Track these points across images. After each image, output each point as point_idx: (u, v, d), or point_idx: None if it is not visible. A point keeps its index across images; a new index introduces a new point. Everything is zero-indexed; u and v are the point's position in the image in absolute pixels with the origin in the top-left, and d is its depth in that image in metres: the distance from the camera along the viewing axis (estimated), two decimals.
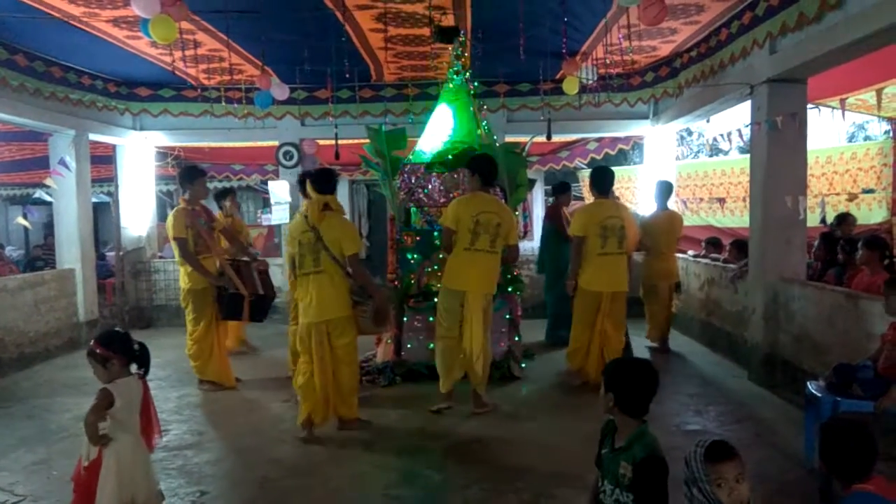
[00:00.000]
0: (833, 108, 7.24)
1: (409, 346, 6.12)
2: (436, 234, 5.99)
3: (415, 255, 6.19)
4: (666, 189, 7.60)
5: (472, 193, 5.24)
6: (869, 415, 3.58)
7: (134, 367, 3.12)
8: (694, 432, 4.74)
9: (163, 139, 9.45)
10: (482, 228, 5.04)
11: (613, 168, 11.08)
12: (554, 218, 7.68)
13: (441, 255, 5.61)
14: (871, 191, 7.50)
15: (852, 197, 7.15)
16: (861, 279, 5.09)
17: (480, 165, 5.26)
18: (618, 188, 11.97)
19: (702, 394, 5.69)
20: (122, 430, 3.00)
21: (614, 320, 5.75)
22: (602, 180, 5.95)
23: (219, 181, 12.40)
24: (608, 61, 7.08)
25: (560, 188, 7.94)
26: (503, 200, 6.22)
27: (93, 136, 8.35)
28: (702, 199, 9.73)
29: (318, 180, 4.83)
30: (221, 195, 7.74)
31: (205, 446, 4.68)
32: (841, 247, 5.80)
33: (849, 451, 2.25)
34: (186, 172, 6.13)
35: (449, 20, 6.33)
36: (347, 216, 5.42)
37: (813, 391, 3.93)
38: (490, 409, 5.22)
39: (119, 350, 3.05)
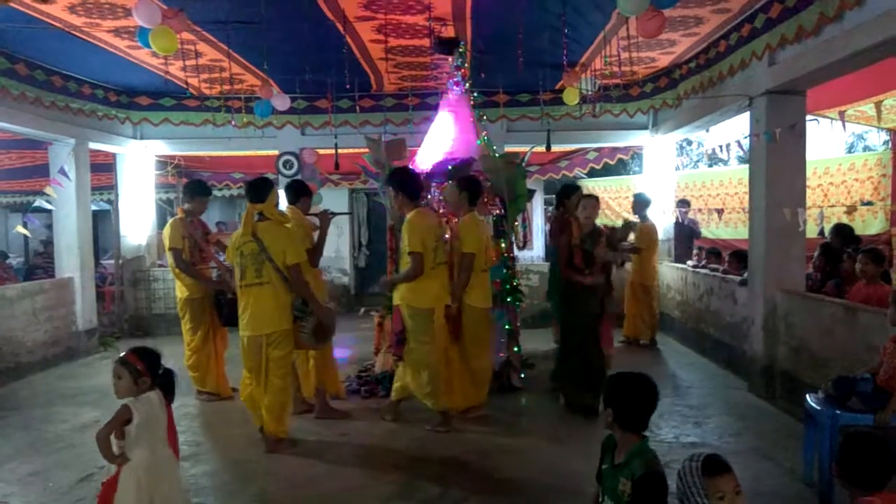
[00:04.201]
0: (832, 119, 7.26)
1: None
2: None
3: None
4: (647, 201, 8.21)
5: (415, 212, 5.03)
6: (871, 427, 3.57)
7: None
8: (693, 445, 4.72)
9: (163, 148, 9.47)
10: (437, 243, 5.02)
11: (613, 178, 10.96)
12: (558, 233, 5.75)
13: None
14: (869, 203, 7.51)
15: (850, 209, 7.16)
16: (858, 290, 5.08)
17: (403, 182, 5.14)
18: (616, 198, 12.04)
19: (701, 406, 5.67)
20: (140, 447, 2.94)
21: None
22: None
23: (219, 189, 12.42)
24: (607, 72, 7.10)
25: (566, 191, 5.86)
26: (503, 211, 6.24)
27: (93, 145, 8.37)
28: (699, 210, 9.74)
29: (248, 190, 4.73)
30: None
31: (202, 458, 4.66)
32: (848, 255, 5.79)
33: (867, 462, 2.28)
34: (195, 187, 6.17)
35: (449, 31, 6.36)
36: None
37: (812, 404, 3.92)
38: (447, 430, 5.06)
39: (150, 369, 3.02)
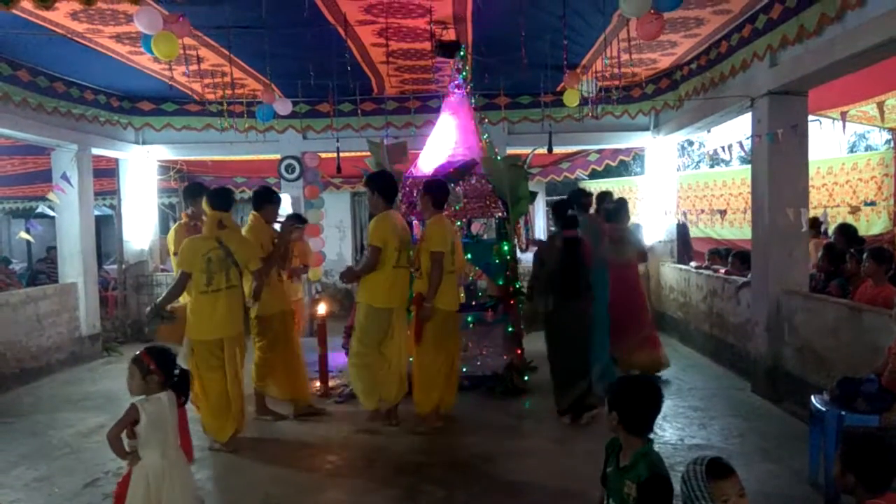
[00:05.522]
0: (834, 119, 7.26)
1: (409, 360, 6.08)
2: None
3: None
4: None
5: (385, 212, 5.19)
6: (875, 429, 3.57)
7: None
8: (697, 446, 4.72)
9: (165, 153, 9.49)
10: (400, 246, 5.13)
11: (614, 179, 10.85)
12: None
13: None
14: (872, 203, 7.50)
15: (854, 210, 7.16)
16: (865, 291, 5.07)
17: (380, 184, 5.27)
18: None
19: (705, 407, 5.66)
20: (150, 447, 2.98)
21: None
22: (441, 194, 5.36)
23: None
24: (608, 74, 7.11)
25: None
26: (506, 213, 6.25)
27: (95, 151, 8.37)
28: (702, 211, 9.74)
29: (215, 197, 4.94)
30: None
31: (207, 462, 4.66)
32: (851, 255, 5.78)
33: (872, 464, 2.27)
34: (193, 189, 6.17)
35: (450, 35, 6.37)
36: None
37: (817, 405, 3.91)
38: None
39: (163, 368, 3.06)
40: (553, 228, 5.61)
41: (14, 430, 5.48)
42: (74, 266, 8.03)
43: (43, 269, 11.29)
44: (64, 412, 5.92)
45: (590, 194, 6.77)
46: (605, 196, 6.98)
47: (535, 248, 5.82)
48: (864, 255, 5.14)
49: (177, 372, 3.10)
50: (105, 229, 13.82)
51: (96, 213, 9.43)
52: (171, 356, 3.12)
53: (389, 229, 5.10)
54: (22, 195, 13.45)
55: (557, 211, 5.70)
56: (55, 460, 4.74)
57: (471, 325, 6.17)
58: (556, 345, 5.41)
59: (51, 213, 8.04)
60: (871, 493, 2.29)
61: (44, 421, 5.69)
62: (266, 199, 5.57)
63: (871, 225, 7.58)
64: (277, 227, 5.65)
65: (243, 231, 5.39)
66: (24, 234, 7.64)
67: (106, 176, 9.80)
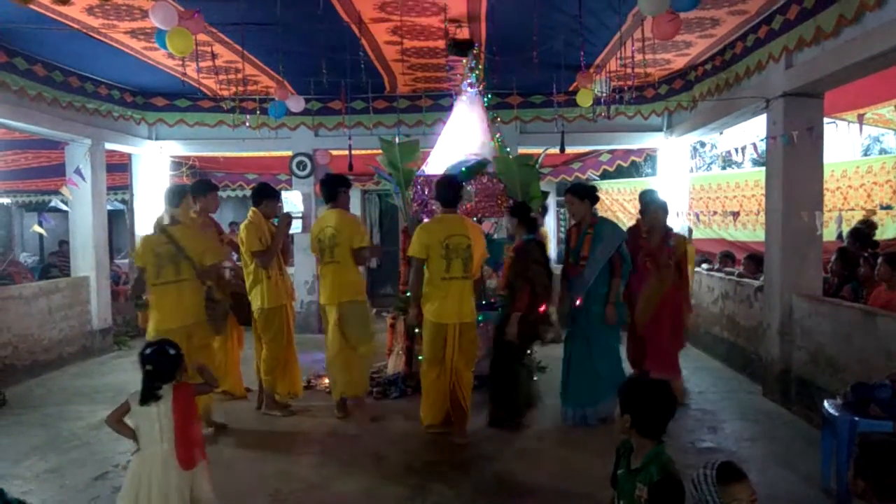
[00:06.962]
0: (850, 122, 7.19)
1: (419, 358, 6.09)
2: None
3: None
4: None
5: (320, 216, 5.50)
6: (890, 435, 3.53)
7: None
8: (708, 450, 4.69)
9: (178, 149, 9.53)
10: (330, 243, 5.33)
11: (625, 180, 10.65)
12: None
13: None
14: (888, 207, 7.43)
15: (869, 214, 7.08)
16: (879, 295, 5.03)
17: (322, 185, 5.58)
18: (630, 200, 11.99)
19: (716, 410, 5.63)
20: (142, 439, 3.04)
21: (466, 356, 5.01)
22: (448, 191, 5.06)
23: (232, 190, 12.50)
24: (622, 74, 7.07)
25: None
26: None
27: (109, 146, 8.43)
28: (715, 213, 9.68)
29: (165, 194, 5.11)
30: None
31: (215, 457, 4.66)
32: (865, 259, 5.73)
33: (887, 470, 2.24)
34: (199, 185, 6.18)
35: (464, 33, 6.36)
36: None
37: (830, 410, 3.88)
38: None
39: (141, 367, 3.11)
40: (521, 235, 5.28)
41: (25, 421, 5.52)
42: (87, 260, 8.09)
43: (55, 262, 11.37)
44: (75, 405, 5.96)
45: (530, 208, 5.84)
46: (648, 194, 6.08)
47: (520, 251, 5.21)
48: (879, 260, 5.10)
49: (148, 368, 3.09)
50: (117, 224, 13.89)
51: (109, 207, 9.48)
52: (142, 353, 3.11)
53: (315, 231, 5.48)
54: (35, 189, 13.55)
55: (524, 215, 5.30)
56: (66, 452, 4.78)
57: (480, 324, 6.15)
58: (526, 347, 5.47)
59: (64, 207, 8.09)
60: (884, 502, 2.26)
61: (55, 413, 5.73)
62: (264, 195, 5.63)
63: (885, 229, 7.51)
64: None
65: (242, 226, 5.50)
66: (37, 228, 7.71)
67: (119, 171, 9.86)
